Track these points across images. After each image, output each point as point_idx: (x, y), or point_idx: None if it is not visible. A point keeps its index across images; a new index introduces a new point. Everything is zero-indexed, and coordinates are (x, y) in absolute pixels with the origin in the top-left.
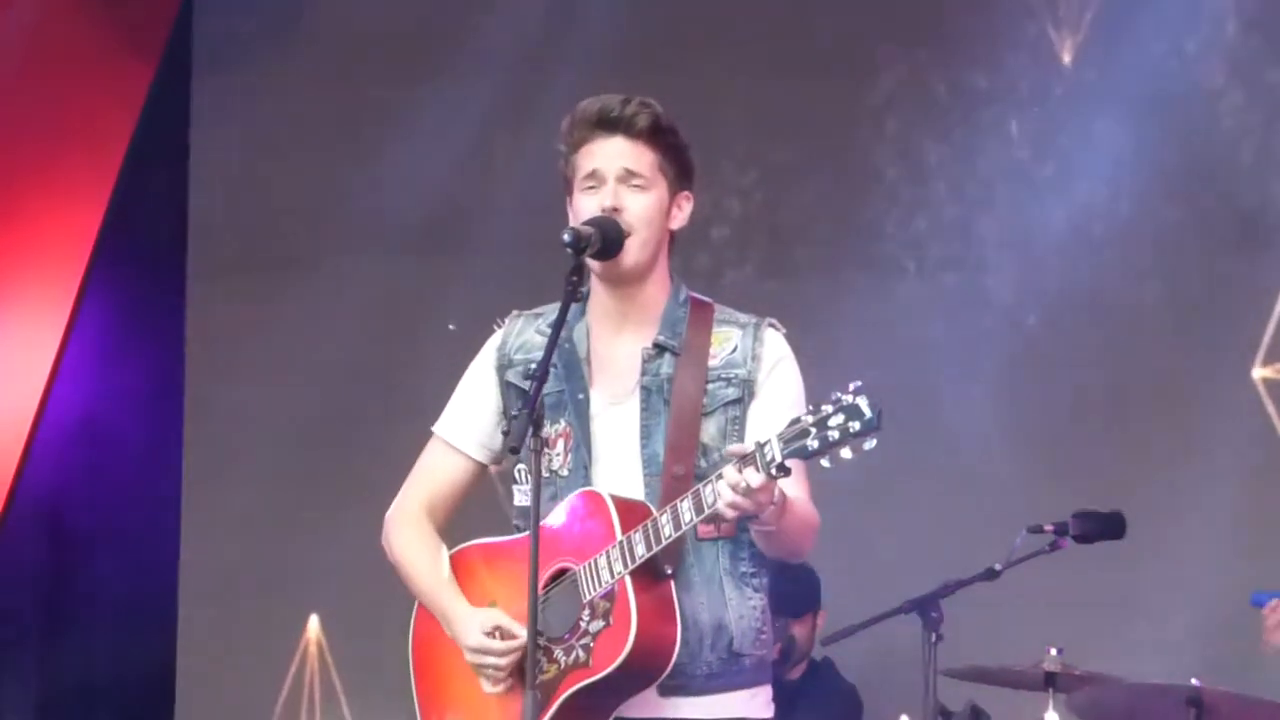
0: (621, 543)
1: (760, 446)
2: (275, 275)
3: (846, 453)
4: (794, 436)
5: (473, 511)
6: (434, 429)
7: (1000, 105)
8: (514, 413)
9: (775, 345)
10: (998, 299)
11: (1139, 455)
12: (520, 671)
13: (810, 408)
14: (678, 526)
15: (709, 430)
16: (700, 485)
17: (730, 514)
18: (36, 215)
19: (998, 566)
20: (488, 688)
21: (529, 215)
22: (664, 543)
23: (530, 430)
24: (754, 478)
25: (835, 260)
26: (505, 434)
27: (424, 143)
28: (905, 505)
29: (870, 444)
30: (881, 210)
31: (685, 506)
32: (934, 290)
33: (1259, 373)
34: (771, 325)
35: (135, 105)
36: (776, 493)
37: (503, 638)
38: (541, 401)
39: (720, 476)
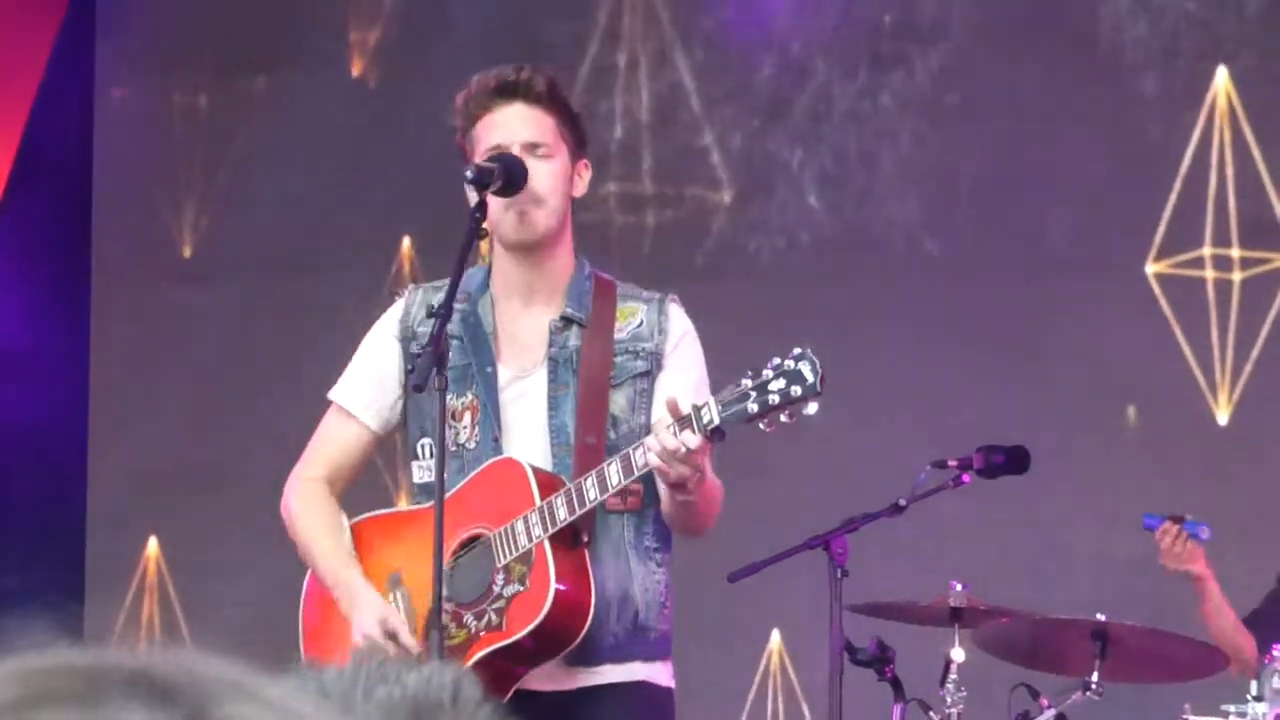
0: (541, 508)
1: (697, 409)
2: (180, 209)
3: (785, 417)
4: (733, 400)
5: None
6: (331, 395)
7: (904, 39)
8: (415, 352)
9: (680, 320)
10: (902, 228)
11: (1043, 382)
12: (425, 636)
13: (750, 371)
14: (603, 490)
15: (618, 402)
16: (630, 448)
17: (667, 473)
18: None
19: (902, 501)
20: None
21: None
22: (588, 506)
23: (435, 369)
24: (691, 439)
25: (739, 193)
26: (409, 372)
27: (333, 80)
28: (809, 440)
29: (811, 409)
30: (786, 143)
31: (613, 470)
32: (839, 223)
33: (1151, 268)
34: (674, 301)
35: (45, 43)
36: (709, 453)
37: (397, 645)
38: (445, 339)
39: (655, 438)
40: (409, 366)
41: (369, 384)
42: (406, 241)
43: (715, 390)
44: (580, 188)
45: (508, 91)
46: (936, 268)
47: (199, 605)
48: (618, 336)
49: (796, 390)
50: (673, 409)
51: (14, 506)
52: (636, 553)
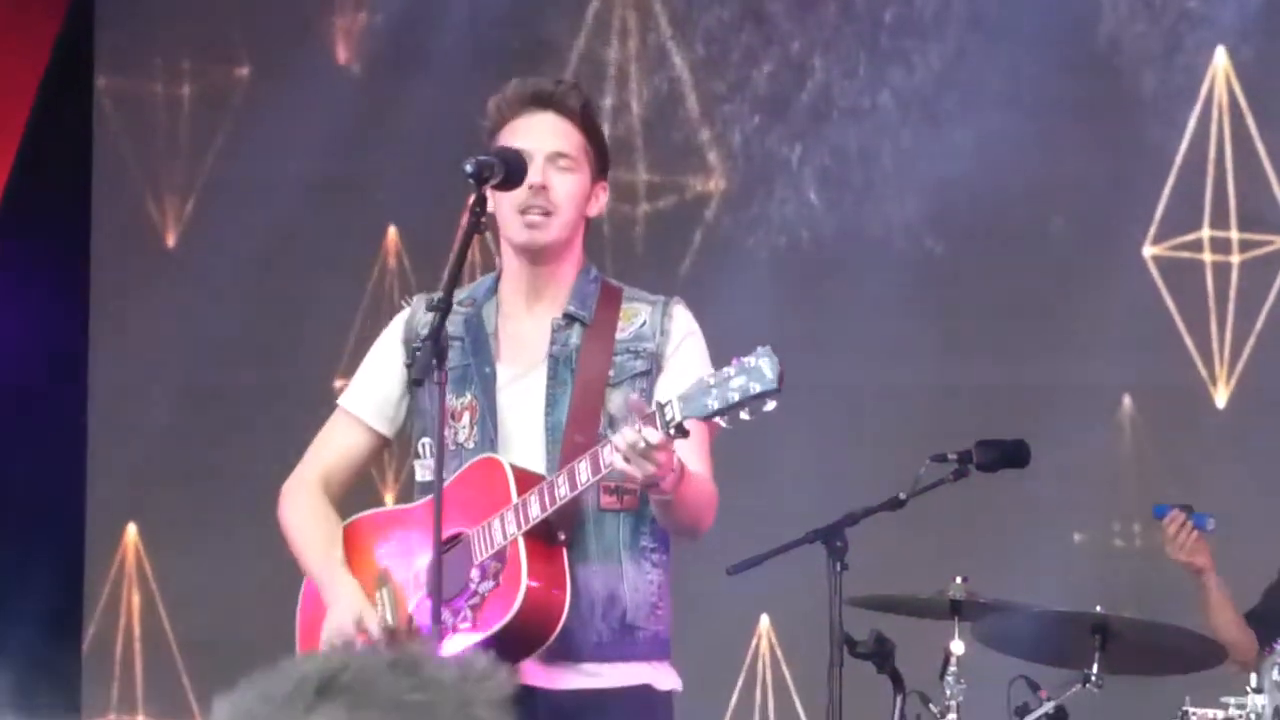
0: (516, 505)
1: (661, 406)
2: (164, 199)
3: (745, 414)
4: (694, 396)
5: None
6: (339, 401)
7: (904, 36)
8: (415, 345)
9: (683, 321)
10: (901, 225)
11: (1042, 374)
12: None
13: (712, 369)
14: (573, 487)
15: (615, 401)
16: (599, 445)
17: (632, 472)
18: None
19: (902, 495)
20: None
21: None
22: (559, 503)
23: (434, 362)
24: (652, 435)
25: (739, 190)
26: (408, 366)
27: (318, 67)
28: (809, 434)
29: (770, 406)
30: (785, 140)
31: (582, 466)
32: (838, 220)
33: (1149, 251)
34: (679, 303)
35: (44, 48)
36: (675, 461)
37: (366, 637)
38: (445, 334)
39: (618, 435)
40: (408, 360)
41: (372, 388)
42: (392, 231)
43: (712, 348)
44: (596, 209)
45: (541, 101)
46: (936, 264)
47: (179, 595)
48: (619, 336)
49: (755, 387)
50: (636, 408)
51: (13, 501)
52: (630, 553)
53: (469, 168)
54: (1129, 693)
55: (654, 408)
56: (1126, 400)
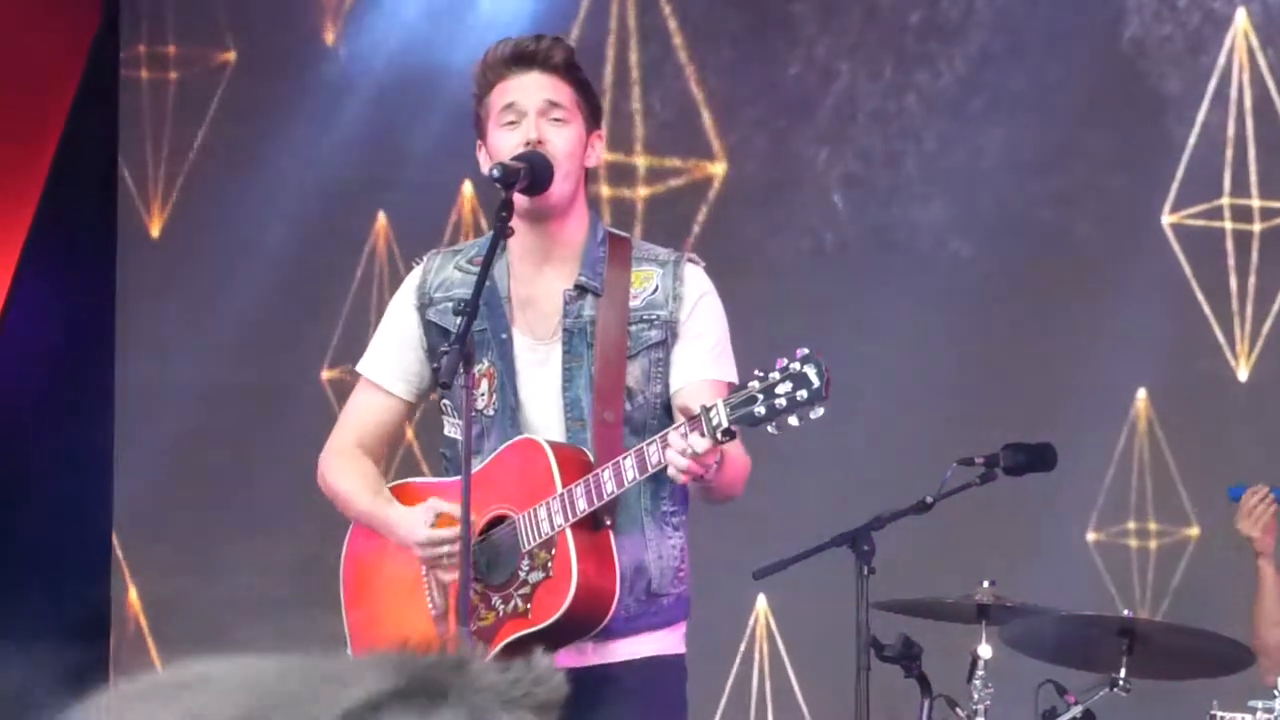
0: (562, 495)
1: (706, 411)
2: (148, 189)
3: (793, 420)
4: (741, 403)
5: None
6: (358, 368)
7: (929, 39)
8: (443, 349)
9: (695, 282)
10: (927, 228)
11: (1066, 374)
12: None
13: (758, 373)
14: (620, 484)
15: (633, 373)
16: (644, 444)
17: (679, 476)
18: None
19: (929, 499)
20: (445, 577)
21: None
22: (605, 499)
23: (461, 366)
24: (699, 443)
25: (764, 193)
26: (436, 369)
27: (304, 48)
28: (835, 437)
29: (818, 412)
30: (811, 143)
31: (629, 464)
32: (863, 223)
33: (1168, 219)
34: (690, 260)
35: (81, 51)
36: (718, 454)
37: (450, 524)
38: (471, 338)
39: (665, 438)
40: (435, 365)
41: (392, 354)
42: (381, 218)
43: (737, 355)
44: (594, 158)
45: (525, 60)
46: (962, 267)
47: (162, 597)
48: (632, 304)
49: (802, 395)
50: (684, 410)
51: (43, 501)
52: (653, 519)
53: (495, 173)
54: (1156, 697)
55: (700, 411)
56: (1141, 393)
